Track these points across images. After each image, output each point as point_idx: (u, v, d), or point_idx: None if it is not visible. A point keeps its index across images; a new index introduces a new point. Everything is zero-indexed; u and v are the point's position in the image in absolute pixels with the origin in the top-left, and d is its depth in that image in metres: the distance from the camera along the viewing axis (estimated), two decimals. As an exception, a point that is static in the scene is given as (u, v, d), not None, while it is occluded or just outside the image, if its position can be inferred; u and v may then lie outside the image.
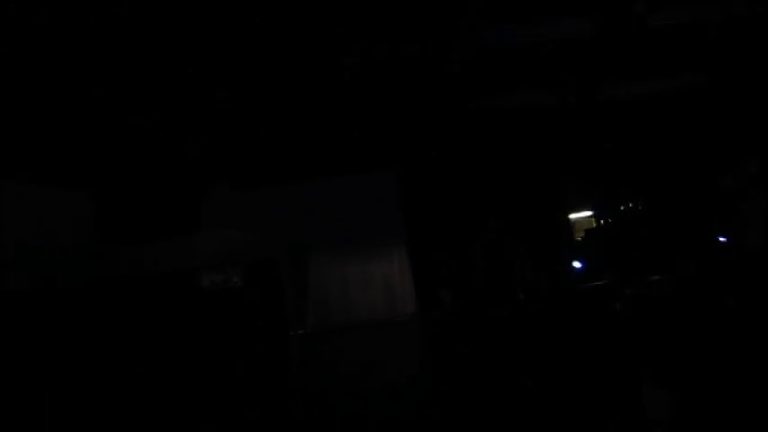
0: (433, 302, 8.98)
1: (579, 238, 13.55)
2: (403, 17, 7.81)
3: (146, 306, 5.43)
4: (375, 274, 8.67)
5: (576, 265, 9.97)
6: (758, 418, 3.84)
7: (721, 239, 8.67)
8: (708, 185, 10.19)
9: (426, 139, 10.26)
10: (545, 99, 10.81)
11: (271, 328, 5.92)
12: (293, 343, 6.18)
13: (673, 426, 4.00)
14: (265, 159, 9.83)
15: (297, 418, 5.62)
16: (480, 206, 9.96)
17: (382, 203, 9.08)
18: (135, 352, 5.22)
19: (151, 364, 5.29)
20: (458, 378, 7.30)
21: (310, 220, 8.72)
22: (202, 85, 8.53)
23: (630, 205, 12.78)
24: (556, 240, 12.54)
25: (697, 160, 11.94)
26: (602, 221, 13.69)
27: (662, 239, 10.31)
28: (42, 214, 5.00)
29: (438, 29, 8.08)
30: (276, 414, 5.52)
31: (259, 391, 5.58)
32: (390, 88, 9.59)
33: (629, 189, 13.07)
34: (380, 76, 9.02)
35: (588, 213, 15.23)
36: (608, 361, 5.82)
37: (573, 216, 15.09)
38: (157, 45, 7.30)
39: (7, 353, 3.91)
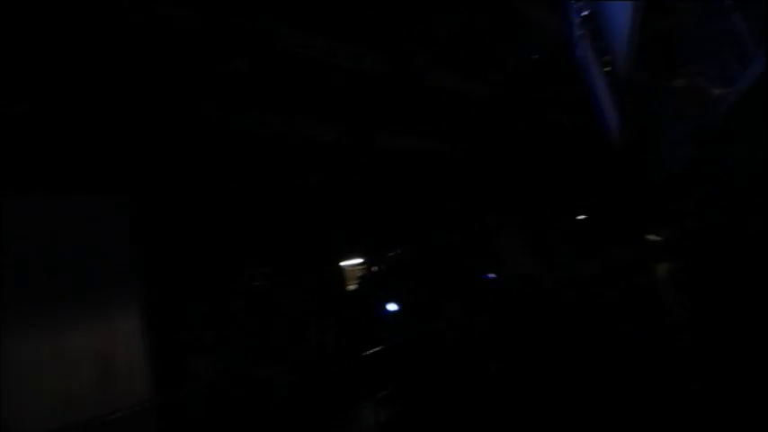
0: (179, 376, 6.42)
1: (353, 286, 13.34)
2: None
3: None
4: (85, 349, 5.62)
5: (391, 307, 9.31)
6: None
7: (490, 276, 9.73)
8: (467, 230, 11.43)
9: (173, 163, 7.90)
10: (324, 135, 10.49)
11: None
12: None
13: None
14: None
15: None
16: (244, 250, 7.97)
17: (108, 240, 6.25)
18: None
19: None
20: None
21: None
22: None
23: (398, 251, 13.46)
24: (331, 289, 11.78)
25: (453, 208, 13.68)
26: (374, 268, 13.94)
27: (430, 284, 10.86)
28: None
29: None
30: None
31: None
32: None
33: (396, 237, 13.78)
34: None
35: (359, 260, 15.33)
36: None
37: (345, 263, 14.88)
38: None
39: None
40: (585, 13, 11.91)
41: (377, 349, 7.89)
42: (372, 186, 12.79)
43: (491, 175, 13.46)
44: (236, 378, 6.58)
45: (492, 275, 10.63)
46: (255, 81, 8.74)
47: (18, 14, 5.64)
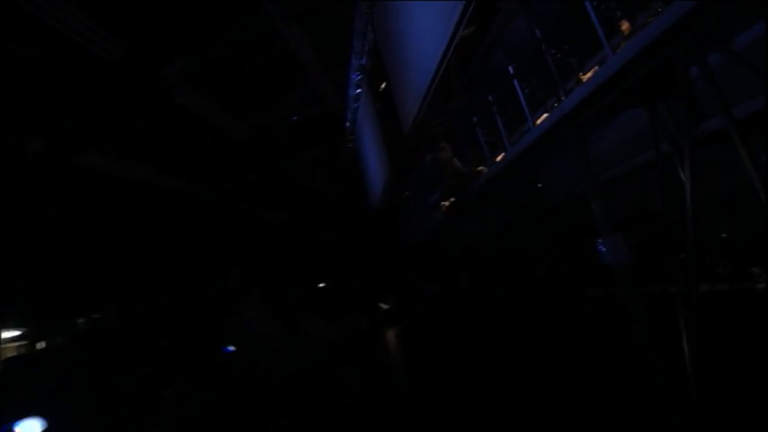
0: None
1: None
2: None
3: None
4: None
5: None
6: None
7: (229, 349, 7.32)
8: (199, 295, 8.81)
9: None
10: None
11: None
12: None
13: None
14: None
15: None
16: None
17: None
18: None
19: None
20: None
21: None
22: None
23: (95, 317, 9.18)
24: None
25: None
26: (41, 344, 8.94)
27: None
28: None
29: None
30: None
31: None
32: None
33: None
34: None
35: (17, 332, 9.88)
36: None
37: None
38: None
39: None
40: (363, 61, 12.32)
41: None
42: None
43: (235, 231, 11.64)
44: None
45: (231, 348, 8.35)
46: None
47: None
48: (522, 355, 6.09)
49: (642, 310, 3.38)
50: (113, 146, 10.01)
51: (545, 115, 4.69)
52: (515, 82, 4.83)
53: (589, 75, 3.78)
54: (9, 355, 8.66)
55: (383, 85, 9.64)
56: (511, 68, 4.96)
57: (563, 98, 3.97)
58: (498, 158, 5.90)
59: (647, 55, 3.20)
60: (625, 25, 3.99)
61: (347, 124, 13.66)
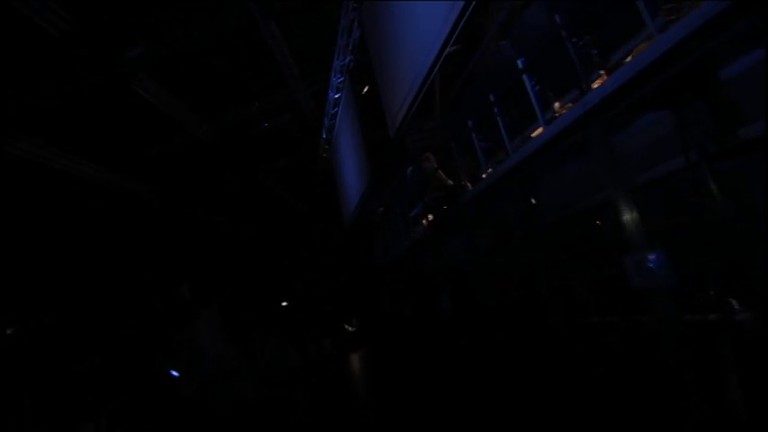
0: None
1: None
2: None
3: None
4: None
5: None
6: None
7: (173, 374, 6.23)
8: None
9: None
10: None
11: None
12: None
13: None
14: None
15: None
16: None
17: None
18: None
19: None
20: None
21: None
22: None
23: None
24: None
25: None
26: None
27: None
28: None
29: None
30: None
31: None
32: None
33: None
34: None
35: None
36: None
37: None
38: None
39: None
40: (346, 61, 11.65)
41: None
42: None
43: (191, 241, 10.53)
44: None
45: (175, 373, 7.25)
46: None
47: None
48: (511, 395, 5.35)
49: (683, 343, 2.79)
50: (53, 134, 8.81)
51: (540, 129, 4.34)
52: (526, 76, 4.31)
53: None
54: None
55: (366, 89, 9.07)
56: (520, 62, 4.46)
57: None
58: (491, 170, 5.39)
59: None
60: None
61: (324, 134, 12.98)
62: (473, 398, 5.82)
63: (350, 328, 20.15)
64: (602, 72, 3.72)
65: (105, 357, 7.27)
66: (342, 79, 9.97)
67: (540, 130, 4.25)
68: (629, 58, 3.41)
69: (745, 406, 2.66)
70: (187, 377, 9.12)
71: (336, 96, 11.12)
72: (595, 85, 3.55)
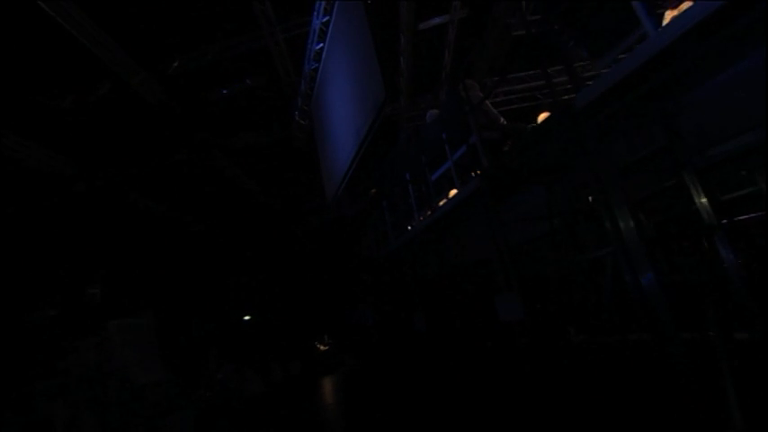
0: None
1: None
2: None
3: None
4: None
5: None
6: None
7: None
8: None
9: None
10: None
11: None
12: None
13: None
14: None
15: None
16: None
17: None
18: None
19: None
20: None
21: None
22: None
23: None
24: None
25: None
26: None
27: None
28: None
29: None
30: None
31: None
32: None
33: None
34: None
35: None
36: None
37: None
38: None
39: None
40: (325, 19, 9.25)
41: None
42: None
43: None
44: None
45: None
46: None
47: None
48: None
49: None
50: None
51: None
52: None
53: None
54: None
55: None
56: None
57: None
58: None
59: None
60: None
61: (299, 100, 10.43)
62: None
63: (322, 347, 17.28)
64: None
65: None
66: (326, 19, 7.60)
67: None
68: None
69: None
70: (90, 419, 6.17)
71: (318, 47, 8.73)
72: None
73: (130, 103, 8.93)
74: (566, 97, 4.04)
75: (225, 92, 10.90)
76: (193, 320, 12.54)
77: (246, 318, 17.04)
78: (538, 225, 4.29)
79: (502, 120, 4.67)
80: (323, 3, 7.61)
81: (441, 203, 5.54)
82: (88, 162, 8.87)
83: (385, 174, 6.63)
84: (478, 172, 4.17)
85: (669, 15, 2.93)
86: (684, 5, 2.76)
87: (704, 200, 2.85)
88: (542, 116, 4.38)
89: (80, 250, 7.83)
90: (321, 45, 8.69)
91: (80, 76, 7.86)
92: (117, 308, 7.44)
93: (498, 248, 3.88)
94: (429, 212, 5.67)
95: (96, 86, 7.98)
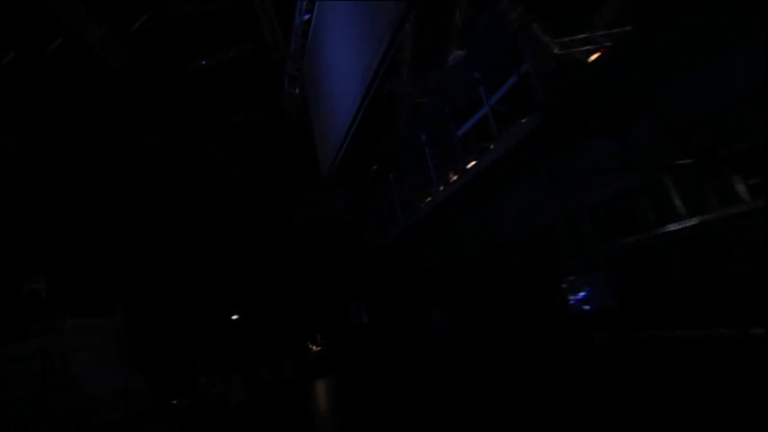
0: None
1: None
2: None
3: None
4: None
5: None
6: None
7: None
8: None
9: None
10: None
11: None
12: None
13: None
14: None
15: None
16: None
17: None
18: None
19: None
20: None
21: None
22: None
23: None
24: None
25: None
26: None
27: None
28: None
29: None
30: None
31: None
32: None
33: None
34: None
35: None
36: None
37: None
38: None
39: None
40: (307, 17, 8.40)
41: None
42: None
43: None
44: None
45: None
46: None
47: None
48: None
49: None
50: None
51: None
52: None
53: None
54: None
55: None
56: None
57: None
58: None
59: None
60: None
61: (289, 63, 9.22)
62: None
63: (314, 348, 16.04)
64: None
65: None
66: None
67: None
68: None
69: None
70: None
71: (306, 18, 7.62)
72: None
73: (90, 68, 7.63)
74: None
75: (205, 62, 9.68)
76: (173, 320, 11.26)
77: (234, 317, 15.73)
78: (611, 185, 3.24)
79: (555, 48, 3.62)
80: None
81: (469, 166, 4.46)
82: (37, 137, 7.55)
83: (396, 138, 5.56)
84: (536, 108, 3.10)
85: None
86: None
87: None
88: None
89: (19, 238, 6.54)
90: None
91: (25, 26, 6.57)
92: (75, 306, 6.18)
93: (567, 210, 2.83)
94: (455, 177, 4.59)
95: (47, 42, 6.68)
